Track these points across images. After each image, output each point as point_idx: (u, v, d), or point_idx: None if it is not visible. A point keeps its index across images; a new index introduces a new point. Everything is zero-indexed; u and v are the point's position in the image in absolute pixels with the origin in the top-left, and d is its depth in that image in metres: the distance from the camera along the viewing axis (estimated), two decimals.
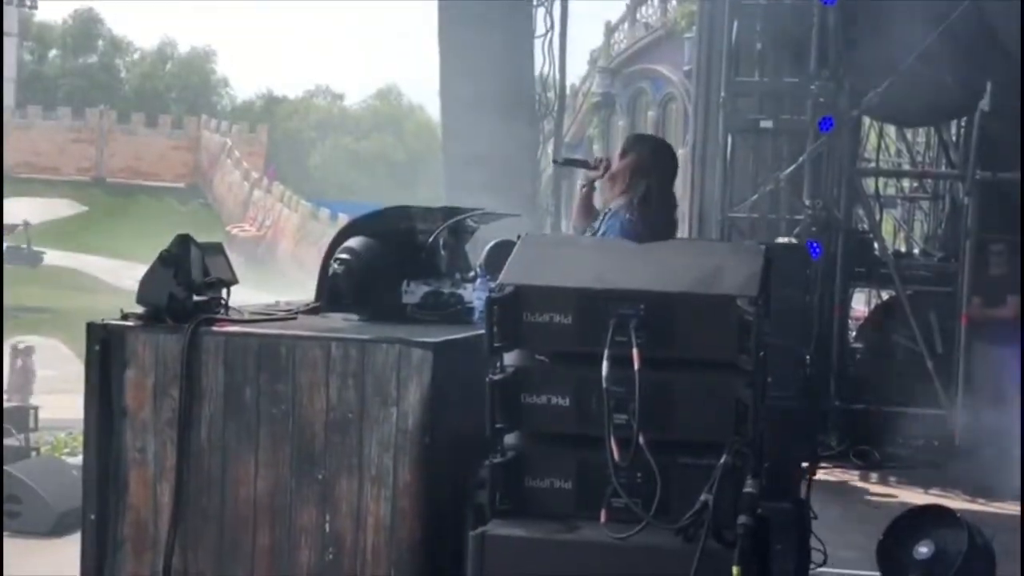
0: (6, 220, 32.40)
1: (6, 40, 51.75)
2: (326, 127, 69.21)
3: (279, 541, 4.40)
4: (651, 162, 5.72)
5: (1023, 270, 10.64)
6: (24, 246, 41.94)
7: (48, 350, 26.46)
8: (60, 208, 53.46)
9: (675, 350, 3.96)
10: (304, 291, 5.34)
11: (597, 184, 6.04)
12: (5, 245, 30.25)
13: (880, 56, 11.19)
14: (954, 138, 15.08)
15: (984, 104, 10.92)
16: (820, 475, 8.53)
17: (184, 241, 4.61)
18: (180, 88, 70.55)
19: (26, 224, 41.98)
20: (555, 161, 11.74)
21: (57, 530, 7.36)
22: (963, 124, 13.74)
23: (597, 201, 6.15)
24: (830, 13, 11.13)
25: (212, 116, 66.02)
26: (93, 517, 4.54)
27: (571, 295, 4.01)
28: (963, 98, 11.61)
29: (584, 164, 6.27)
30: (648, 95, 37.39)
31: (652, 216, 5.56)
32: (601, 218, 5.72)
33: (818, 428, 10.05)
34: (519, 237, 4.33)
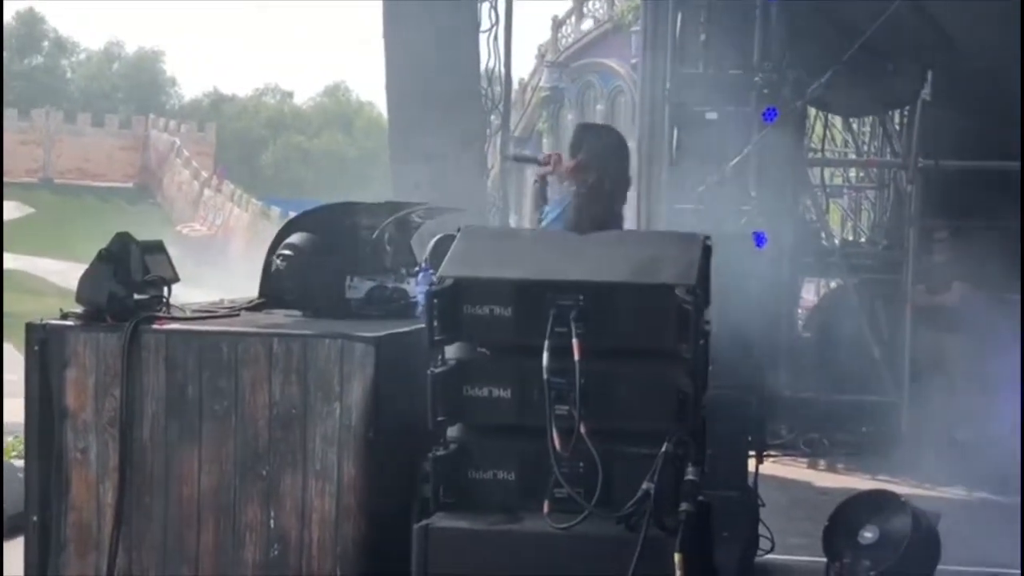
0: None
1: None
2: (276, 125, 68.94)
3: (224, 539, 4.40)
4: (603, 156, 5.76)
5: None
6: None
7: None
8: (7, 210, 52.95)
9: (615, 340, 3.99)
10: (256, 290, 5.32)
11: (549, 178, 6.08)
12: None
13: (823, 46, 11.26)
14: (897, 127, 15.19)
15: (925, 93, 11.01)
16: (768, 463, 8.61)
17: (123, 240, 4.60)
18: (128, 88, 70.06)
19: None
20: (505, 157, 11.75)
21: (3, 533, 7.29)
22: (906, 113, 13.84)
23: (551, 193, 6.18)
24: (773, 5, 11.17)
25: (160, 115, 65.60)
26: (36, 519, 4.52)
27: (510, 287, 4.03)
28: (905, 87, 11.71)
29: (534, 160, 6.31)
30: (596, 88, 37.45)
31: (593, 207, 5.60)
32: (551, 205, 5.75)
33: (766, 417, 10.11)
34: (459, 230, 4.35)
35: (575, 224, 5.41)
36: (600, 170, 5.71)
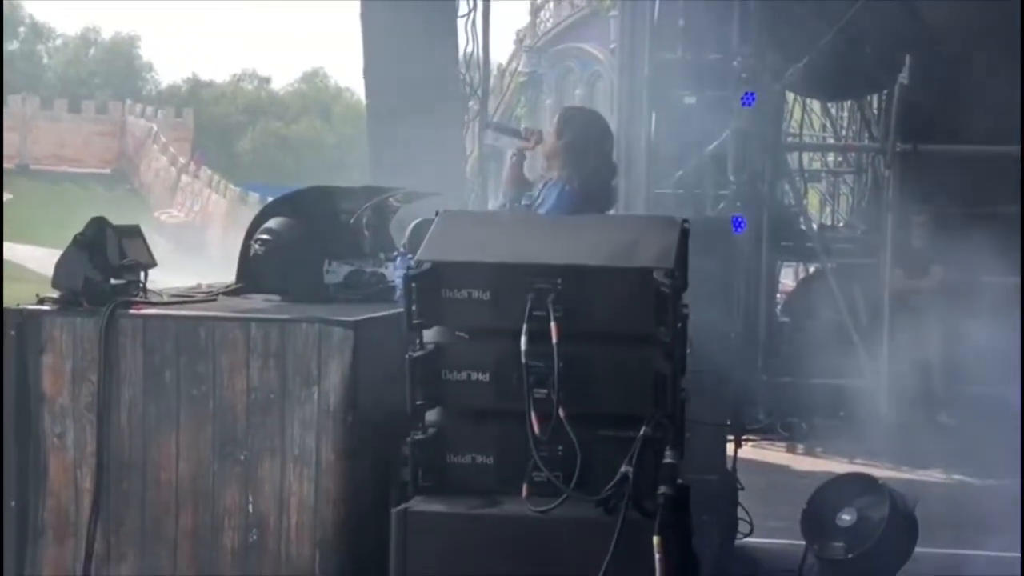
0: None
1: None
2: (254, 111, 68.73)
3: (202, 524, 4.38)
4: (590, 143, 5.76)
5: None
6: None
7: None
8: None
9: (593, 323, 3.98)
10: (233, 275, 5.31)
11: (527, 154, 6.06)
12: None
13: (801, 31, 11.28)
14: (875, 111, 15.24)
15: (903, 77, 11.04)
16: (747, 447, 8.64)
17: (99, 224, 4.57)
18: (105, 74, 69.72)
19: None
20: (487, 125, 11.74)
21: None
22: (884, 97, 13.88)
23: (527, 171, 6.17)
24: None
25: (137, 101, 65.30)
26: (13, 504, 4.49)
27: (489, 270, 4.02)
28: (883, 71, 11.74)
29: (516, 133, 6.29)
30: (575, 73, 37.48)
31: (590, 195, 5.61)
32: (540, 187, 5.74)
33: (745, 401, 10.14)
34: (437, 214, 4.34)
35: (571, 210, 5.40)
36: (595, 157, 5.72)
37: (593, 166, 5.71)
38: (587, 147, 5.73)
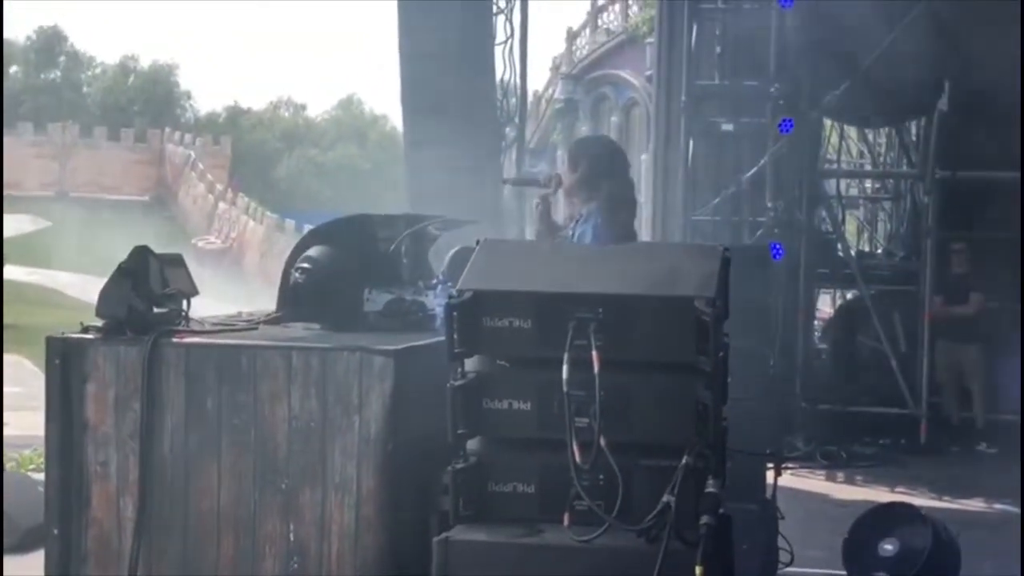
0: None
1: None
2: (291, 138, 69.06)
3: (243, 551, 4.39)
4: (603, 165, 5.78)
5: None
6: None
7: (12, 366, 26.17)
8: (23, 224, 53.11)
9: (634, 352, 3.97)
10: (271, 302, 5.33)
11: (552, 199, 6.07)
12: None
13: (839, 57, 11.27)
14: (914, 138, 15.18)
15: (942, 104, 11.01)
16: (786, 475, 8.59)
17: (142, 253, 4.60)
18: (143, 102, 70.18)
19: None
20: (504, 181, 11.75)
21: (23, 546, 7.31)
22: (922, 124, 13.83)
23: (556, 215, 6.17)
24: (788, 16, 11.19)
25: (176, 129, 65.72)
26: (56, 532, 4.52)
27: (530, 299, 4.01)
28: (921, 98, 11.70)
29: (534, 182, 6.30)
30: (611, 100, 37.44)
31: (619, 215, 5.62)
32: (574, 223, 5.75)
33: (784, 429, 10.10)
34: (478, 243, 4.34)
35: (607, 236, 5.41)
36: (610, 177, 5.73)
37: (612, 188, 5.74)
38: (602, 173, 5.76)
